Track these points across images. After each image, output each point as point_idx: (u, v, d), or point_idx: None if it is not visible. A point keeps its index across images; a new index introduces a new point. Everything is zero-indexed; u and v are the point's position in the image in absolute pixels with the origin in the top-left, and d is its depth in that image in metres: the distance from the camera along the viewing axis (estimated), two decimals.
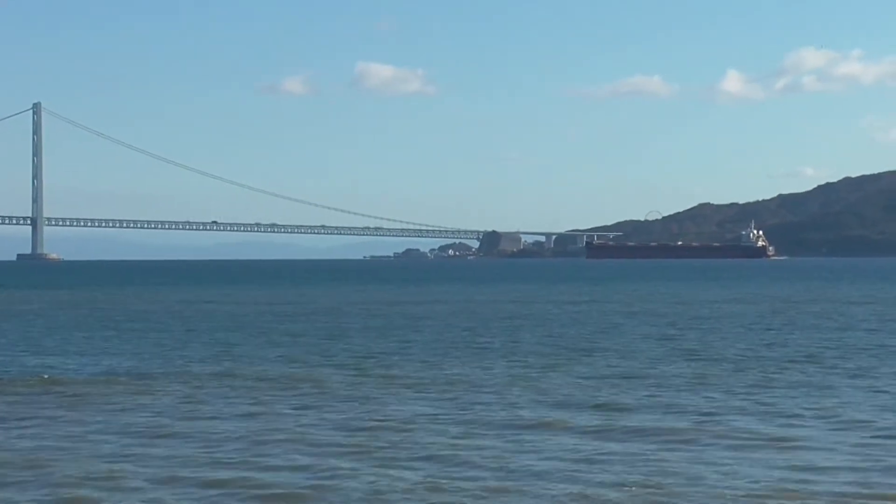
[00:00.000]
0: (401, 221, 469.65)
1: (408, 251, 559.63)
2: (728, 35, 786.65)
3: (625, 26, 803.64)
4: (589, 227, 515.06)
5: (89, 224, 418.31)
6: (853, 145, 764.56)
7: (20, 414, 29.75)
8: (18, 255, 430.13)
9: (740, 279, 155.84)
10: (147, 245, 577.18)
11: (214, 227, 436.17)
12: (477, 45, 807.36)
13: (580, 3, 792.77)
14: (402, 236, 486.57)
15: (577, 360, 42.59)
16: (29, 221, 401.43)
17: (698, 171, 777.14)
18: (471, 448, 24.17)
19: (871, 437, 25.45)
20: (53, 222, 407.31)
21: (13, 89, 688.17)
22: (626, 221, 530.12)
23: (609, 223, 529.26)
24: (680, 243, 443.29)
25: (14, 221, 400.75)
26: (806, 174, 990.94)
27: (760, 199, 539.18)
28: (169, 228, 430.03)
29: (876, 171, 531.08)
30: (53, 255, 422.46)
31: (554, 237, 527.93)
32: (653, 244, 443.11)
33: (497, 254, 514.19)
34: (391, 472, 22.05)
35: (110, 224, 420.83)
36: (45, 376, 38.32)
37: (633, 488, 20.54)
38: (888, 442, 24.83)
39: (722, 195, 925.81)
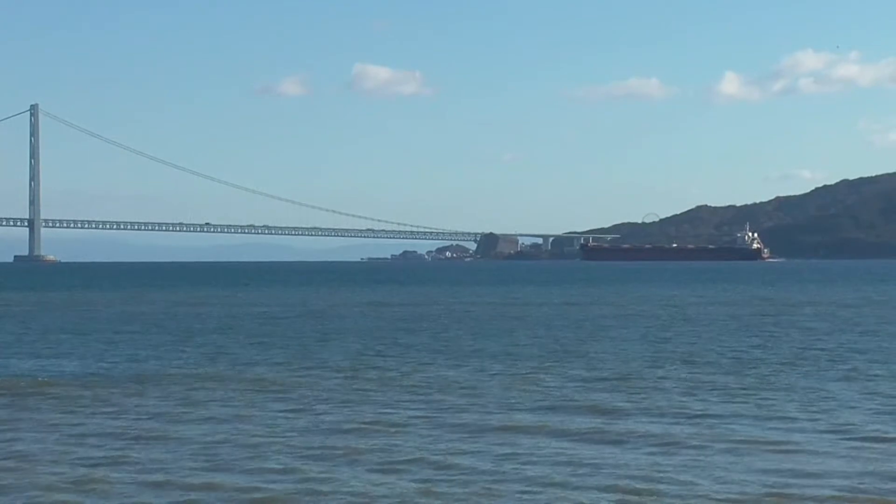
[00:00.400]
0: (398, 223, 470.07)
1: (405, 253, 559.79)
2: (725, 37, 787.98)
3: (622, 28, 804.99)
4: (586, 229, 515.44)
5: (86, 226, 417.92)
6: (850, 148, 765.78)
7: (13, 417, 29.71)
8: (15, 256, 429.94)
9: (733, 282, 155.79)
10: (144, 246, 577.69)
11: (208, 229, 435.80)
12: (474, 46, 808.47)
13: (577, 5, 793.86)
14: (400, 238, 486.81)
15: (567, 362, 42.56)
16: (26, 223, 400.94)
17: (695, 174, 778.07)
18: (463, 453, 24.11)
19: (863, 440, 25.40)
20: (50, 224, 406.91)
21: (10, 91, 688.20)
22: (623, 223, 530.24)
23: (606, 225, 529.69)
24: (675, 245, 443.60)
25: (11, 223, 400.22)
26: (803, 176, 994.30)
27: (757, 201, 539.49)
28: (162, 230, 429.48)
29: (873, 174, 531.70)
30: (50, 257, 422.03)
31: (551, 239, 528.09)
32: (647, 246, 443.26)
33: (494, 256, 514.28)
34: (382, 476, 22.01)
35: (107, 226, 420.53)
36: (40, 378, 38.35)
37: (626, 494, 20.52)
38: (878, 446, 24.79)
39: (719, 197, 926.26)
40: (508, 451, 24.35)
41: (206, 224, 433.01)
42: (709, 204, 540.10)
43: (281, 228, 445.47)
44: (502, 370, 40.15)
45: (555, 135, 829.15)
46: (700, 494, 20.48)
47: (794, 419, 28.34)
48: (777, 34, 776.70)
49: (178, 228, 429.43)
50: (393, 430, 27.10)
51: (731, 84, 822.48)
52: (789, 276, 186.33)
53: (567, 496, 20.45)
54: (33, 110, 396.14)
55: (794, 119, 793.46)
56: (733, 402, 31.30)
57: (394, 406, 31.15)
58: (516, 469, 22.50)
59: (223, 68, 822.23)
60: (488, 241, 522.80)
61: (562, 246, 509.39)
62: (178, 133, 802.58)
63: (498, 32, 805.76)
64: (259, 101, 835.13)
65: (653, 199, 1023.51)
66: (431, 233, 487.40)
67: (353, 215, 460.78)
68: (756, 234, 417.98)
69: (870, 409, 29.97)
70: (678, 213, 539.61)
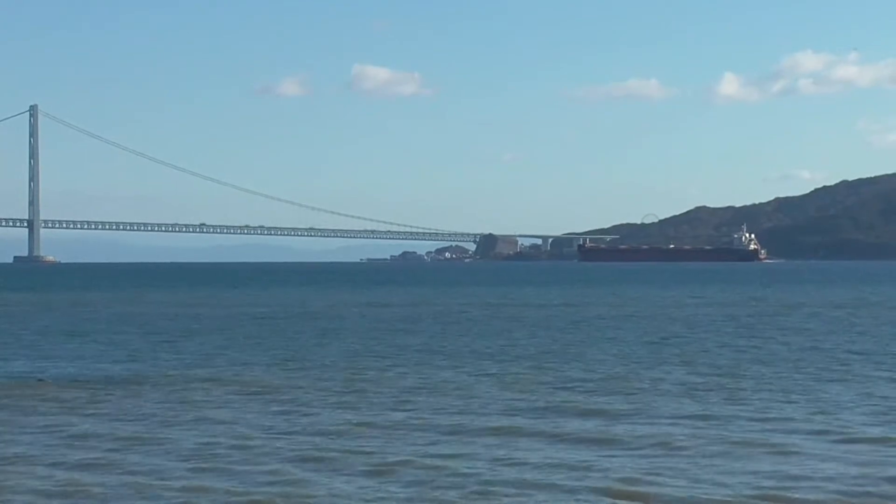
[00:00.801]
0: (397, 224, 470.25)
1: (404, 254, 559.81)
2: (724, 38, 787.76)
3: (621, 29, 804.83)
4: (585, 230, 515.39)
5: (86, 226, 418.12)
6: (850, 148, 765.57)
7: (8, 419, 29.69)
8: (15, 257, 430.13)
9: (728, 283, 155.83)
10: (144, 247, 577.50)
11: (203, 230, 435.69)
12: (473, 47, 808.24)
13: (576, 6, 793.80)
14: (399, 239, 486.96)
15: (558, 363, 42.57)
16: (25, 224, 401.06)
17: (695, 174, 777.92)
18: (454, 456, 24.05)
19: (860, 442, 25.38)
20: (50, 225, 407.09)
21: (10, 92, 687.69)
22: (622, 224, 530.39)
23: (606, 226, 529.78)
24: (672, 246, 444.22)
25: (10, 224, 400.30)
26: (802, 177, 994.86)
27: (757, 202, 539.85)
28: (157, 230, 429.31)
29: (872, 175, 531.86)
30: (50, 258, 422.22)
31: (550, 240, 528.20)
32: (644, 247, 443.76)
33: (493, 256, 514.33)
34: (374, 480, 21.98)
35: (107, 226, 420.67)
36: (37, 379, 38.44)
37: (621, 498, 20.55)
38: (876, 448, 24.78)
39: (718, 198, 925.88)
40: (502, 453, 24.26)
41: (202, 224, 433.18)
42: (708, 205, 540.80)
43: (277, 229, 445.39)
44: (494, 372, 40.13)
45: (554, 135, 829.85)
46: (695, 497, 20.46)
47: (790, 420, 28.29)
48: (776, 35, 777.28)
49: (173, 229, 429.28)
50: (386, 432, 27.04)
51: (730, 85, 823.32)
52: (785, 277, 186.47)
53: (561, 498, 20.46)
54: (33, 111, 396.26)
55: (794, 120, 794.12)
56: (729, 404, 31.22)
57: (387, 408, 31.09)
58: (509, 471, 22.43)
59: (223, 69, 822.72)
60: (487, 242, 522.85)
61: (561, 247, 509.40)
62: (178, 133, 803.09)
63: (497, 33, 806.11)
64: (258, 101, 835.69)
65: (652, 200, 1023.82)
66: (431, 233, 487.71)
67: (353, 216, 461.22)
68: (753, 235, 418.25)
69: (867, 411, 29.89)
70: (677, 213, 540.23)
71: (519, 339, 54.86)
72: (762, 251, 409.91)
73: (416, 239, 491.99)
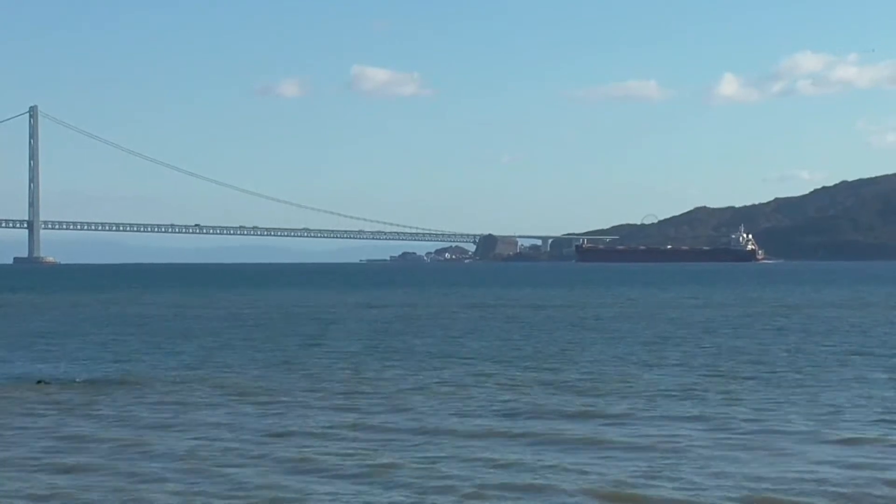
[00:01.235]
0: (397, 225, 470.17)
1: (404, 254, 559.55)
2: (723, 38, 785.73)
3: (620, 29, 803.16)
4: (585, 230, 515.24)
5: (86, 227, 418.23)
6: (849, 149, 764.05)
7: (9, 423, 29.70)
8: (15, 258, 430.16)
9: (724, 283, 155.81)
10: (144, 248, 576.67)
11: (197, 230, 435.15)
12: (473, 48, 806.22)
13: (575, 6, 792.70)
14: (398, 240, 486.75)
15: (550, 366, 42.58)
16: (25, 225, 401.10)
17: (694, 175, 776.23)
18: (447, 458, 24.11)
19: (856, 445, 25.38)
20: (50, 226, 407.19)
21: (10, 93, 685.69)
22: (622, 225, 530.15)
23: (605, 227, 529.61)
24: (670, 247, 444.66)
25: (10, 225, 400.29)
26: (802, 178, 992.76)
27: (756, 202, 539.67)
28: (152, 231, 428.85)
29: (872, 175, 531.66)
30: (50, 259, 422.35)
31: (550, 241, 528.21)
32: (642, 248, 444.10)
33: (493, 257, 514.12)
34: (361, 485, 21.99)
35: (106, 227, 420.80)
36: (38, 381, 38.56)
37: (612, 501, 20.64)
38: (876, 448, 24.85)
39: (718, 199, 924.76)
40: (495, 456, 24.29)
41: (196, 225, 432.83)
42: (707, 205, 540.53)
43: (271, 229, 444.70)
44: (490, 372, 40.15)
45: (553, 136, 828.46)
46: (691, 499, 20.58)
47: (787, 422, 28.28)
48: (775, 36, 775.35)
49: (167, 229, 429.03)
50: (380, 435, 27.09)
51: (729, 85, 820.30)
52: (780, 278, 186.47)
53: (555, 502, 20.60)
54: (32, 112, 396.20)
55: (793, 120, 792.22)
56: (725, 405, 31.20)
57: (380, 410, 31.11)
58: (503, 474, 22.46)
59: (222, 69, 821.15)
60: (487, 243, 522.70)
61: (561, 247, 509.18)
62: (177, 134, 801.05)
63: (496, 33, 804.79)
64: (258, 102, 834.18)
65: (652, 201, 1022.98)
66: (430, 234, 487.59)
67: (352, 217, 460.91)
68: (750, 236, 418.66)
69: (865, 412, 29.88)
70: (677, 214, 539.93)
71: (514, 341, 54.91)
72: (759, 252, 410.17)
73: (415, 240, 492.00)
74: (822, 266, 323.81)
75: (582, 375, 39.50)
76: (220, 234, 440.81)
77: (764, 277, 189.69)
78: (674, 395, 33.81)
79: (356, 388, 36.44)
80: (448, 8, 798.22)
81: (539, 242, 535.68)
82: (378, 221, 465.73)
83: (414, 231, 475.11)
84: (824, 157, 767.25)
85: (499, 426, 28.28)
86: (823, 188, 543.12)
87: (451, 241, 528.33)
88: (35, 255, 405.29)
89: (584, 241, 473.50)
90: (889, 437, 26.32)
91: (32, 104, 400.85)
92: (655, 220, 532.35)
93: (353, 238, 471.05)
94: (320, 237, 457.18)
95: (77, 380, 39.29)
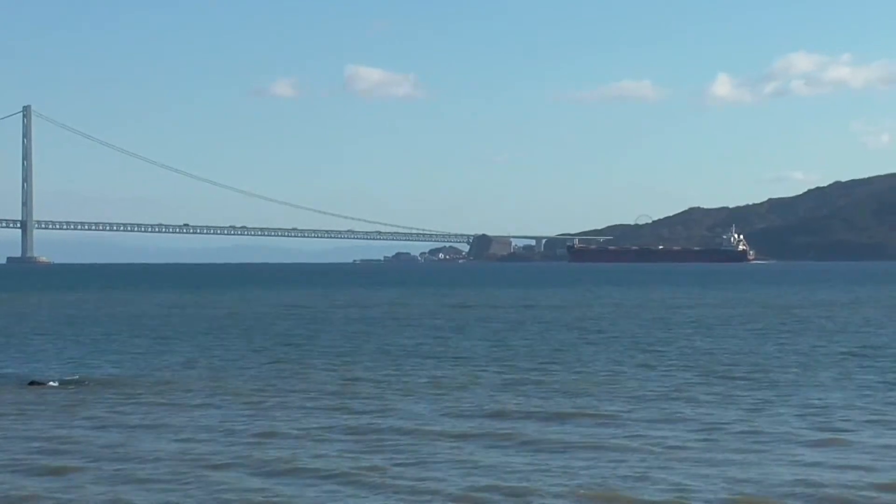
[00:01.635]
0: (391, 225, 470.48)
1: (398, 255, 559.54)
2: (718, 39, 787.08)
3: (614, 30, 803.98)
4: (579, 230, 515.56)
5: (79, 227, 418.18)
6: (843, 149, 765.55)
7: (4, 423, 29.69)
8: (8, 258, 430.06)
9: (713, 284, 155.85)
10: (138, 248, 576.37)
11: (186, 230, 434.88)
12: (467, 48, 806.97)
13: (570, 8, 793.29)
14: (393, 240, 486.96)
15: (531, 368, 42.62)
16: (18, 225, 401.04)
17: (688, 175, 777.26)
18: (430, 462, 24.10)
19: (847, 448, 25.39)
20: (43, 225, 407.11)
21: (3, 92, 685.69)
22: (616, 225, 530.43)
23: (599, 227, 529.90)
24: (661, 247, 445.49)
25: (3, 224, 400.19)
26: (796, 178, 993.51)
27: (750, 203, 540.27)
28: (142, 231, 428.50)
29: (865, 176, 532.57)
30: (43, 259, 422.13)
31: (544, 241, 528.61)
32: (634, 248, 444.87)
33: (487, 257, 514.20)
34: (341, 488, 21.97)
35: (100, 227, 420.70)
36: (31, 382, 38.48)
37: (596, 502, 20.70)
38: (864, 453, 24.79)
39: (712, 199, 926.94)
40: (478, 458, 24.30)
41: (185, 225, 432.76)
42: (702, 205, 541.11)
43: (260, 229, 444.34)
44: (470, 373, 40.15)
45: (548, 136, 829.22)
46: (673, 501, 20.62)
47: (777, 423, 28.26)
48: (769, 36, 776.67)
49: (157, 230, 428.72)
50: (363, 437, 27.04)
51: (723, 86, 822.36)
52: (770, 279, 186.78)
53: (538, 502, 20.60)
54: (26, 112, 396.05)
55: (787, 121, 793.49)
56: (712, 407, 31.22)
57: (361, 412, 31.01)
58: (486, 477, 22.44)
59: (216, 70, 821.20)
60: (481, 243, 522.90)
61: (555, 248, 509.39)
62: (172, 135, 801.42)
63: (491, 34, 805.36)
64: (252, 102, 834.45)
65: (646, 201, 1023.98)
66: (424, 234, 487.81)
67: (347, 217, 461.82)
68: (742, 236, 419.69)
69: (854, 414, 29.85)
70: (671, 214, 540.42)
71: (501, 342, 54.93)
72: (751, 252, 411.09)
73: (409, 240, 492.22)
74: (814, 267, 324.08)
75: (571, 376, 39.46)
76: (209, 233, 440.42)
77: (752, 278, 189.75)
78: (662, 397, 33.80)
79: (346, 388, 36.42)
80: (443, 9, 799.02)
81: (533, 243, 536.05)
82: (372, 221, 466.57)
83: (408, 231, 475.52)
84: (818, 157, 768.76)
85: (487, 427, 28.24)
86: (817, 188, 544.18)
87: (445, 242, 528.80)
88: (28, 254, 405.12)
89: (576, 241, 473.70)
90: (878, 440, 26.33)
91: (26, 104, 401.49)
92: (649, 221, 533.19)
93: (347, 238, 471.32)
94: (312, 237, 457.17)
95: (68, 380, 39.22)
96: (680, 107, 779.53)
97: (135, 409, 32.20)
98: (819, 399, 33.03)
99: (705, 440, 26.28)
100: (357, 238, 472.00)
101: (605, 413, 30.59)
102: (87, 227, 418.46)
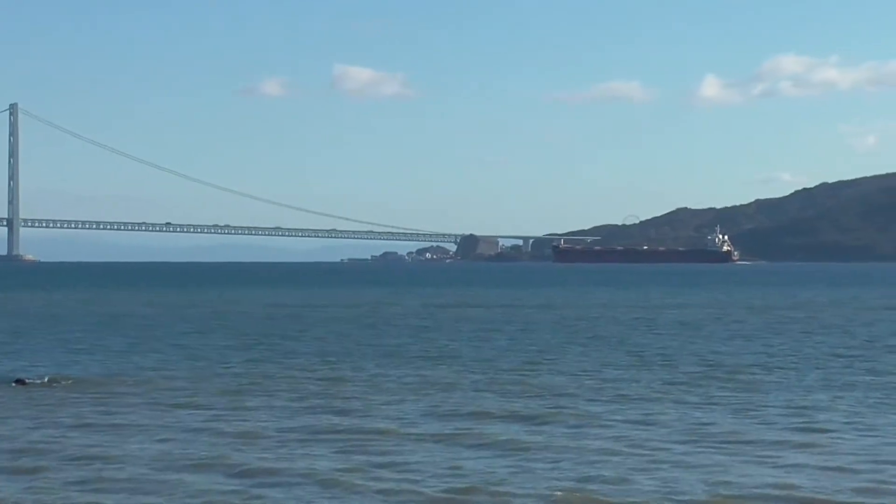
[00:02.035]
0: (378, 224, 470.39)
1: (385, 254, 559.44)
2: (706, 40, 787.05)
3: (603, 31, 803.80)
4: (567, 230, 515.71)
5: (66, 225, 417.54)
6: (830, 151, 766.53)
7: None
8: None
9: (697, 285, 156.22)
10: (125, 246, 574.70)
11: (168, 229, 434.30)
12: (456, 49, 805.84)
13: (559, 8, 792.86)
14: (380, 239, 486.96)
15: (512, 370, 42.64)
16: (5, 223, 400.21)
17: (676, 176, 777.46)
18: (405, 463, 24.05)
19: (824, 452, 25.38)
20: (30, 223, 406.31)
21: None
22: (603, 226, 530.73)
23: (587, 227, 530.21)
24: (646, 248, 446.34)
25: None
26: (783, 179, 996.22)
27: (738, 203, 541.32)
28: (125, 229, 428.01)
29: (853, 177, 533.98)
30: (29, 257, 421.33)
31: (531, 241, 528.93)
32: (619, 248, 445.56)
33: (474, 257, 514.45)
34: (321, 489, 21.93)
35: (87, 225, 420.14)
36: (16, 380, 38.34)
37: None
38: (843, 455, 24.78)
39: (700, 200, 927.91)
40: (449, 459, 24.28)
41: (167, 224, 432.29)
42: (689, 206, 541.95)
43: (244, 228, 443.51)
44: (445, 374, 40.10)
45: (536, 137, 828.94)
46: (638, 500, 20.67)
47: (760, 424, 28.35)
48: (758, 38, 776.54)
49: (140, 228, 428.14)
50: (342, 437, 26.99)
51: (711, 87, 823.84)
52: (753, 279, 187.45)
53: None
54: (13, 109, 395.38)
55: (775, 122, 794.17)
56: (698, 408, 31.26)
57: (345, 413, 30.95)
58: (458, 479, 22.40)
59: (205, 69, 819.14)
60: (468, 243, 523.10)
61: (542, 248, 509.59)
62: (160, 133, 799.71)
63: (479, 35, 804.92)
64: (241, 101, 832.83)
65: (634, 201, 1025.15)
66: (412, 234, 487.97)
67: (334, 216, 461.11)
68: (726, 237, 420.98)
69: (839, 415, 29.92)
70: (659, 215, 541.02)
71: (499, 343, 55.00)
72: (735, 253, 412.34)
73: (397, 239, 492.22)
74: (800, 268, 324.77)
75: (554, 377, 39.43)
76: (192, 232, 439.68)
77: (734, 279, 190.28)
78: (644, 398, 33.81)
79: (329, 388, 36.36)
80: (432, 8, 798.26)
81: (521, 243, 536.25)
82: (360, 221, 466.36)
83: (396, 231, 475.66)
84: (805, 158, 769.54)
85: (469, 428, 28.20)
86: (804, 189, 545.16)
87: (432, 241, 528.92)
88: (14, 252, 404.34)
89: (561, 241, 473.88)
90: (859, 442, 26.38)
91: (13, 101, 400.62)
92: (637, 221, 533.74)
93: (336, 237, 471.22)
94: (298, 236, 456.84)
95: (53, 378, 39.07)
96: (668, 108, 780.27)
97: (116, 409, 32.11)
98: (801, 400, 33.09)
99: (687, 441, 26.28)
100: (344, 237, 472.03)
101: (588, 414, 30.58)
102: (73, 225, 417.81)
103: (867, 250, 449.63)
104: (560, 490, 21.43)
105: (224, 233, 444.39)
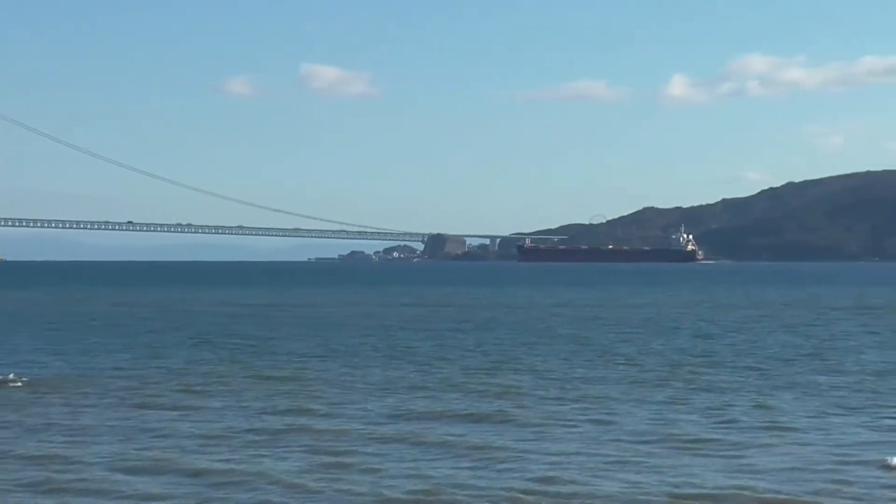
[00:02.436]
0: (346, 223, 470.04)
1: (353, 253, 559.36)
2: (673, 40, 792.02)
3: (570, 30, 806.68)
4: (534, 230, 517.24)
5: (33, 224, 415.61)
6: (796, 151, 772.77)
7: None
8: None
9: (651, 283, 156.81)
10: (93, 246, 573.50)
11: (130, 227, 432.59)
12: (422, 47, 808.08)
13: (525, 8, 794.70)
14: (347, 238, 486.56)
15: (479, 369, 42.66)
16: None
17: (643, 175, 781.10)
18: (373, 464, 23.97)
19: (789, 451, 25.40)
20: None
21: None
22: (571, 225, 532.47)
23: (554, 226, 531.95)
24: (611, 247, 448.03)
25: None
26: (750, 179, 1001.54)
27: (704, 203, 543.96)
28: (87, 228, 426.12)
29: (819, 177, 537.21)
30: None
31: (498, 240, 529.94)
32: (584, 248, 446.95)
33: (442, 256, 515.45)
34: (284, 494, 21.84)
35: (54, 224, 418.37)
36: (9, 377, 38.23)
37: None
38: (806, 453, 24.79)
39: (666, 199, 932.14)
40: (412, 461, 24.24)
41: (129, 222, 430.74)
42: (656, 205, 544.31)
43: (204, 227, 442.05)
44: (391, 372, 40.15)
45: (503, 136, 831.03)
46: (600, 496, 20.74)
47: (727, 424, 28.33)
48: (725, 37, 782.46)
49: (103, 227, 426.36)
50: (304, 439, 26.90)
51: (679, 86, 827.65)
52: (711, 278, 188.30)
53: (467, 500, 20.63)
54: None
55: (741, 121, 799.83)
56: (667, 407, 31.28)
57: (310, 413, 30.88)
58: (418, 481, 22.31)
59: (172, 68, 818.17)
60: (436, 242, 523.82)
61: (509, 247, 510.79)
62: (123, 132, 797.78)
63: (446, 34, 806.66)
64: (209, 101, 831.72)
65: (601, 201, 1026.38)
66: (379, 233, 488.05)
67: (302, 215, 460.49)
68: (691, 236, 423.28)
69: (805, 414, 29.94)
70: (625, 214, 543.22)
71: (474, 343, 55.02)
72: (700, 252, 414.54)
73: (364, 238, 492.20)
74: (766, 267, 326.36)
75: (519, 377, 39.39)
76: (154, 231, 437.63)
77: (699, 278, 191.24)
78: (609, 398, 33.76)
79: (295, 389, 36.19)
80: (399, 7, 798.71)
81: (488, 242, 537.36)
82: (328, 220, 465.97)
83: (363, 230, 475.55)
84: (772, 158, 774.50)
85: (433, 429, 28.13)
86: (770, 189, 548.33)
87: (399, 241, 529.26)
88: None
89: (526, 241, 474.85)
90: (822, 441, 26.49)
91: None
92: (604, 220, 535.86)
93: (302, 237, 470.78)
94: (262, 235, 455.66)
95: (15, 377, 38.71)
96: (635, 107, 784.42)
97: (77, 409, 31.88)
98: (765, 399, 33.14)
99: (651, 441, 26.30)
100: (312, 236, 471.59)
101: (552, 414, 30.53)
102: (38, 224, 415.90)
103: (833, 250, 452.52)
104: (523, 491, 21.37)
105: (187, 232, 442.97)
